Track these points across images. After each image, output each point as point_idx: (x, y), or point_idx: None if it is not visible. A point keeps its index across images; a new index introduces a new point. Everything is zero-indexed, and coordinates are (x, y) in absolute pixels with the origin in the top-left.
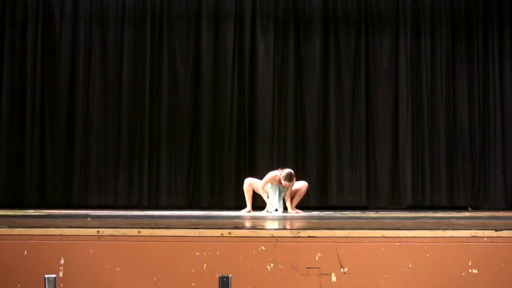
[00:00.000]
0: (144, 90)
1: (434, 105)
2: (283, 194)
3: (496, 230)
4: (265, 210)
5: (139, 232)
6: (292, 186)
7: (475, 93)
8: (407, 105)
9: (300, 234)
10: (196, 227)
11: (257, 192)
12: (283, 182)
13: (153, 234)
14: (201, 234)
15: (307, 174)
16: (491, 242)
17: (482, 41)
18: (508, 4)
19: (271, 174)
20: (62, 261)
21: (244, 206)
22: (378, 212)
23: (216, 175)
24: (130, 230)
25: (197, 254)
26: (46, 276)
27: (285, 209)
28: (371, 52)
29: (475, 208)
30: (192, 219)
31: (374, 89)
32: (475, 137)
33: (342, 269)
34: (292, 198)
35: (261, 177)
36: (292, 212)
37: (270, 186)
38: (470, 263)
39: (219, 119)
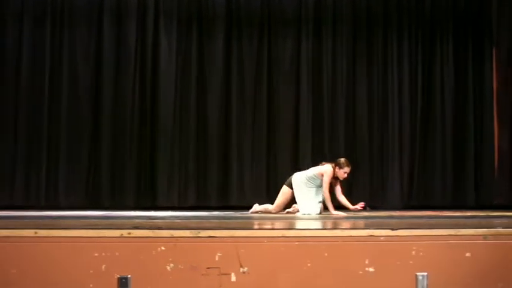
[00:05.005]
0: (43, 87)
1: (334, 104)
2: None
3: (392, 229)
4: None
5: (36, 233)
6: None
7: (374, 96)
8: (308, 105)
9: (200, 234)
10: (95, 227)
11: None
12: (346, 169)
13: (51, 235)
14: (100, 235)
15: (208, 174)
16: (387, 241)
17: (382, 44)
18: (407, 9)
19: (329, 170)
20: None
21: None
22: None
23: (115, 174)
24: (27, 231)
25: (96, 254)
26: None
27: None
28: (273, 52)
29: (373, 208)
30: (91, 220)
31: (276, 88)
32: (373, 141)
33: (241, 269)
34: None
35: None
36: (335, 213)
37: (308, 186)
38: (367, 262)
39: (120, 118)
